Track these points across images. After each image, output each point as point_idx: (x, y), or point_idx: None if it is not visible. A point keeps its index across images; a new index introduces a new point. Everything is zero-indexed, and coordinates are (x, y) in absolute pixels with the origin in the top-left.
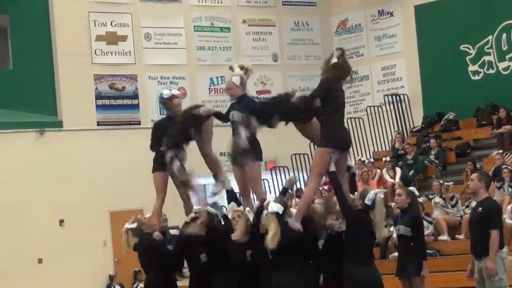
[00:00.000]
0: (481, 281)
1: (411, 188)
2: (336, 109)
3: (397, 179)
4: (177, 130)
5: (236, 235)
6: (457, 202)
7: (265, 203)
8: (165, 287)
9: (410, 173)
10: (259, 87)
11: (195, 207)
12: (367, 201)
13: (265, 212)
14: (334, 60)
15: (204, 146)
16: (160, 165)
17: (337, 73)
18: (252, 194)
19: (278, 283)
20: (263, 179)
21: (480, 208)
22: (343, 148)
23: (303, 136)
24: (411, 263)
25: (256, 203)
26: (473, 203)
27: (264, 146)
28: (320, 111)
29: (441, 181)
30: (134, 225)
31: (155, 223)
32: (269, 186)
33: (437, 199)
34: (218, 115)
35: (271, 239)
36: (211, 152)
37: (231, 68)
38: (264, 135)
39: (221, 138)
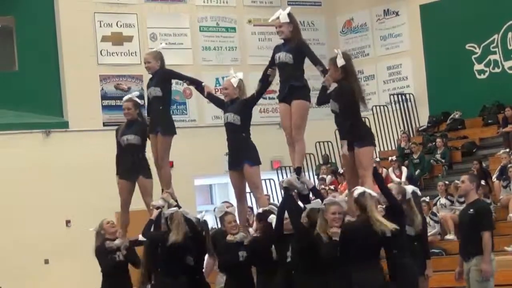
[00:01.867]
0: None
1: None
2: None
3: (403, 178)
4: None
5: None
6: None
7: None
8: None
9: (416, 173)
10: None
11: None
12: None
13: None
14: (341, 61)
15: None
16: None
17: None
18: (251, 198)
19: (363, 280)
20: (270, 179)
21: (471, 210)
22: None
23: None
24: (414, 262)
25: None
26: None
27: (270, 145)
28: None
29: (446, 182)
30: (96, 229)
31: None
32: (275, 186)
33: (443, 200)
34: None
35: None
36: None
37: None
38: (269, 134)
39: (220, 139)
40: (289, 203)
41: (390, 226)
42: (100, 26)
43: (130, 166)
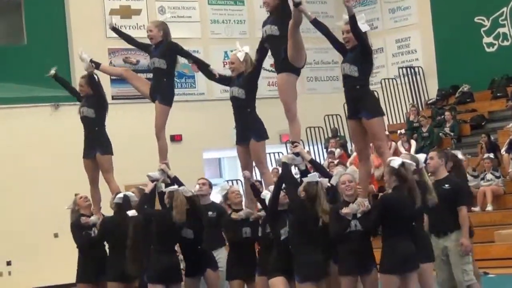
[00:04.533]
0: (446, 260)
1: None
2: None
3: (412, 151)
4: None
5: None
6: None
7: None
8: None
9: (425, 145)
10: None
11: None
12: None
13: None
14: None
15: None
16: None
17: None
18: (255, 171)
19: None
20: (279, 153)
21: (447, 185)
22: None
23: None
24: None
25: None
26: (489, 175)
27: (278, 119)
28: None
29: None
30: (70, 206)
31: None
32: None
33: None
34: None
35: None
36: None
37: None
38: (278, 108)
39: (229, 112)
40: (286, 177)
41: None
42: None
43: (88, 143)
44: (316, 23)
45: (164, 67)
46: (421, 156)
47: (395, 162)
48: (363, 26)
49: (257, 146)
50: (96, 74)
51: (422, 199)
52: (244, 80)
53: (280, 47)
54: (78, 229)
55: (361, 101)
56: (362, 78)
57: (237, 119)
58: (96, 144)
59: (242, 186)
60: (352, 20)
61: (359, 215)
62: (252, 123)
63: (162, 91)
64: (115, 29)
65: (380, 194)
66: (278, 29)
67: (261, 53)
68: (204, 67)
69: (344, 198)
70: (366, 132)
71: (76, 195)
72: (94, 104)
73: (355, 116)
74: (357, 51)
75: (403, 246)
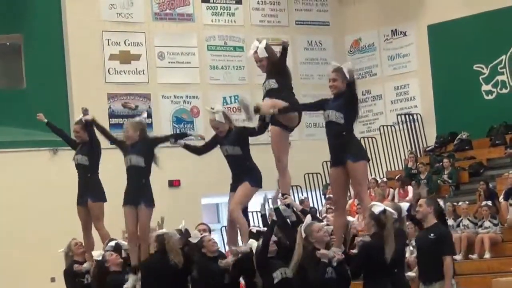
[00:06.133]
0: None
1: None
2: None
3: (410, 197)
4: None
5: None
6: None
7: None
8: None
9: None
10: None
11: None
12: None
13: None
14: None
15: None
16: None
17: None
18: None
19: None
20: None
21: (432, 234)
22: None
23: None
24: None
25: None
26: (487, 223)
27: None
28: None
29: (455, 203)
30: (64, 250)
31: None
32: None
33: (450, 221)
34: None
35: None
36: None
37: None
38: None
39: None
40: (280, 220)
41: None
42: (108, 44)
43: (80, 190)
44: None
45: (142, 165)
46: (404, 205)
47: (377, 208)
48: (349, 74)
49: (248, 189)
50: (93, 120)
51: (400, 249)
52: (235, 137)
53: (278, 98)
54: (71, 276)
55: (347, 146)
56: (348, 125)
57: (235, 170)
58: (88, 191)
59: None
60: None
61: (334, 264)
62: (249, 170)
63: (146, 193)
64: (91, 122)
65: (360, 239)
66: (276, 81)
67: (263, 123)
68: (193, 149)
69: (316, 246)
70: (346, 182)
71: (73, 239)
72: (88, 151)
73: (338, 163)
74: (343, 99)
75: None
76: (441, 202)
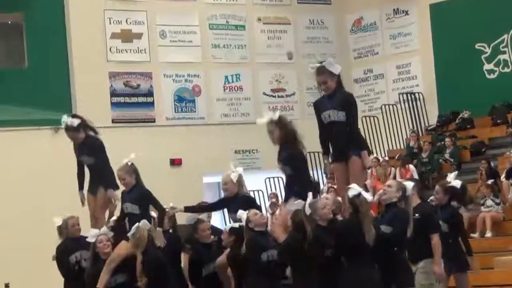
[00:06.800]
0: None
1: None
2: None
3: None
4: None
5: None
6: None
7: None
8: None
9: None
10: (274, 85)
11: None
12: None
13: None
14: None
15: None
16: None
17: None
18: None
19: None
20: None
21: (416, 214)
22: None
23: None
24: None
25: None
26: (489, 202)
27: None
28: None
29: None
30: (60, 223)
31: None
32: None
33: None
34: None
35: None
36: None
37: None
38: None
39: (229, 136)
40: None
41: (372, 238)
42: (110, 23)
43: (91, 180)
44: None
45: (137, 212)
46: (409, 184)
47: (352, 191)
48: (335, 68)
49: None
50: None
51: (402, 228)
52: (241, 205)
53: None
54: (65, 258)
55: (352, 141)
56: (351, 121)
57: None
58: (101, 181)
59: None
60: None
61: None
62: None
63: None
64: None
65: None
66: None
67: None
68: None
69: (320, 223)
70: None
71: (71, 217)
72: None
73: (343, 158)
74: (340, 96)
75: (362, 273)
76: (459, 183)
